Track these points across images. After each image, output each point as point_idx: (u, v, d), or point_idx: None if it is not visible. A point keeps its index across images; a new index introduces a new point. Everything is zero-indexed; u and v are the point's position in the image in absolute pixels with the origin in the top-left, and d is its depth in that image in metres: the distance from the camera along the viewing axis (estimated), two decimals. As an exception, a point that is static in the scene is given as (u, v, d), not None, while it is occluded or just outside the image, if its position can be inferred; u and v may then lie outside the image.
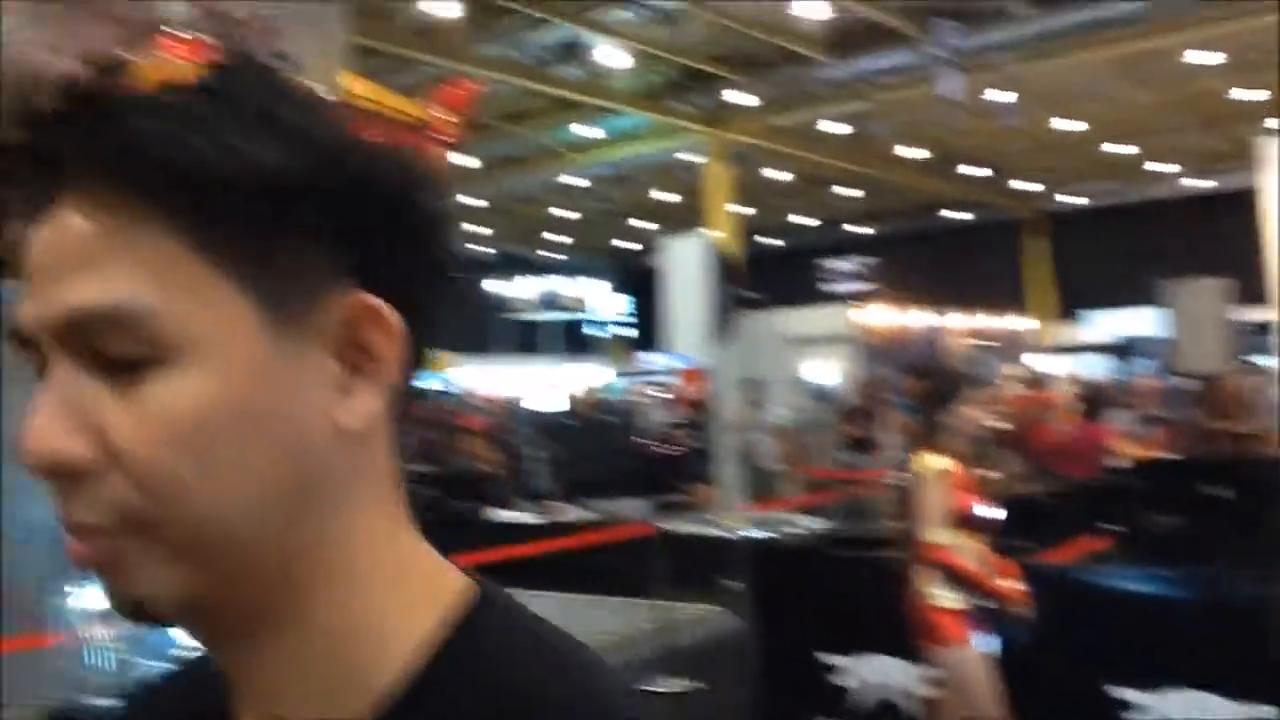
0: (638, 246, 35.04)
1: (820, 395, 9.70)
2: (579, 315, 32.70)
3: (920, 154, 24.50)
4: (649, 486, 8.24)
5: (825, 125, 21.64)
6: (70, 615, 2.26)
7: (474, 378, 20.85)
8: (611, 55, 17.77)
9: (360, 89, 5.01)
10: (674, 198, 28.86)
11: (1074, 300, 27.97)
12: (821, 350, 9.68)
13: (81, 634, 2.24)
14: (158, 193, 0.57)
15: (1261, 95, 18.71)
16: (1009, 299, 26.80)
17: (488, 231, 32.32)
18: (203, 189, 0.57)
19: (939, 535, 3.86)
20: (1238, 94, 19.33)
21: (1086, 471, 7.81)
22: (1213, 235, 23.60)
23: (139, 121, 0.57)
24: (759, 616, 4.77)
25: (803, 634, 4.66)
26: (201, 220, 0.58)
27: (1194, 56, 17.37)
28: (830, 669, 4.59)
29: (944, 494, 3.89)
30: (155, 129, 0.57)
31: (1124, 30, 16.23)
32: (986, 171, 26.71)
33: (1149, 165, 25.56)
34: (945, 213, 30.86)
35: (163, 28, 7.35)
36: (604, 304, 33.14)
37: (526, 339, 31.55)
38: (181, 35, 5.66)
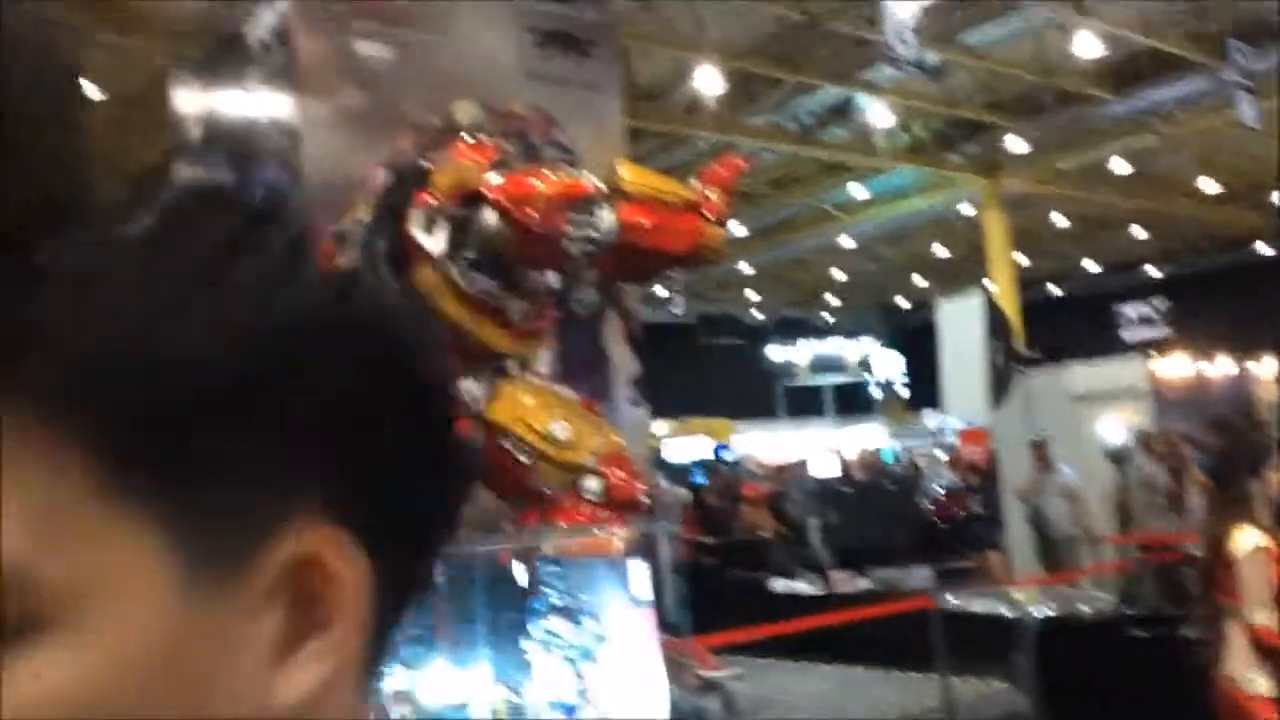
0: (911, 305, 34.40)
1: (1115, 456, 9.13)
2: (855, 377, 32.33)
3: (1216, 186, 22.87)
4: (933, 553, 8.02)
5: (1108, 164, 20.64)
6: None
7: (755, 444, 21.00)
8: (879, 113, 17.72)
9: (631, 174, 5.27)
10: (948, 252, 28.23)
11: None
12: (1114, 406, 9.11)
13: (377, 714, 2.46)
14: (46, 393, 0.42)
15: None
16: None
17: (758, 298, 32.64)
18: (99, 387, 0.42)
19: (1259, 615, 3.57)
20: None
21: None
22: None
23: (28, 285, 0.42)
24: (1047, 697, 4.54)
25: (1094, 717, 4.38)
26: (101, 434, 0.42)
27: None
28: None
29: (1263, 570, 3.60)
30: (41, 299, 0.42)
31: None
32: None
33: None
34: (1253, 246, 28.55)
35: (461, 133, 7.96)
36: (879, 364, 32.65)
37: (806, 402, 31.46)
38: (475, 138, 6.15)
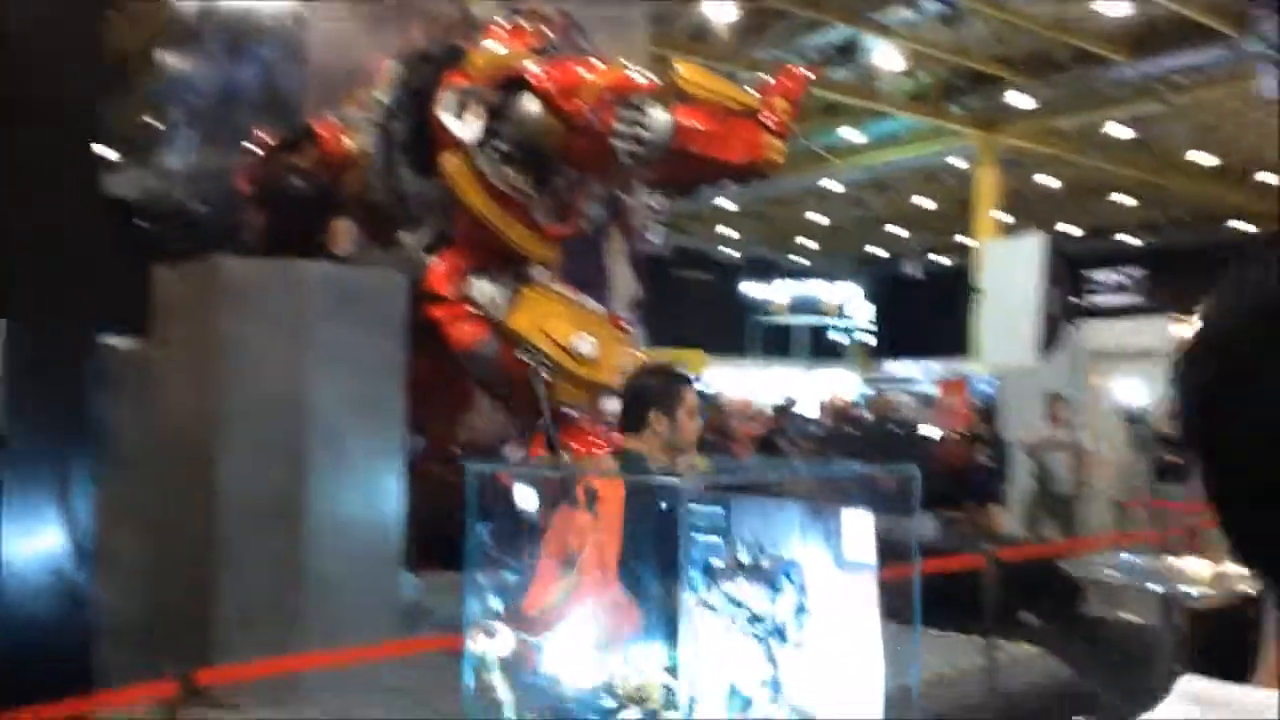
0: (886, 253, 34.19)
1: (1130, 417, 8.90)
2: (827, 320, 32.20)
3: (1212, 160, 22.67)
4: (935, 502, 7.69)
5: (1109, 129, 20.35)
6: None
7: (726, 380, 20.69)
8: (886, 57, 17.24)
9: (690, 74, 4.80)
10: (933, 204, 27.93)
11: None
12: (1132, 366, 8.85)
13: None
14: None
15: None
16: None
17: (737, 235, 32.27)
18: None
19: None
20: None
21: None
22: None
23: None
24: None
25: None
26: None
27: None
28: None
29: None
30: None
31: None
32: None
33: None
34: (1233, 224, 28.51)
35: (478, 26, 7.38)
36: (854, 310, 32.58)
37: (778, 342, 31.31)
38: (514, 24, 5.66)
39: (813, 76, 5.31)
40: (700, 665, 1.66)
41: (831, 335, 32.47)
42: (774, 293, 31.52)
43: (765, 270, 33.19)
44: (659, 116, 4.70)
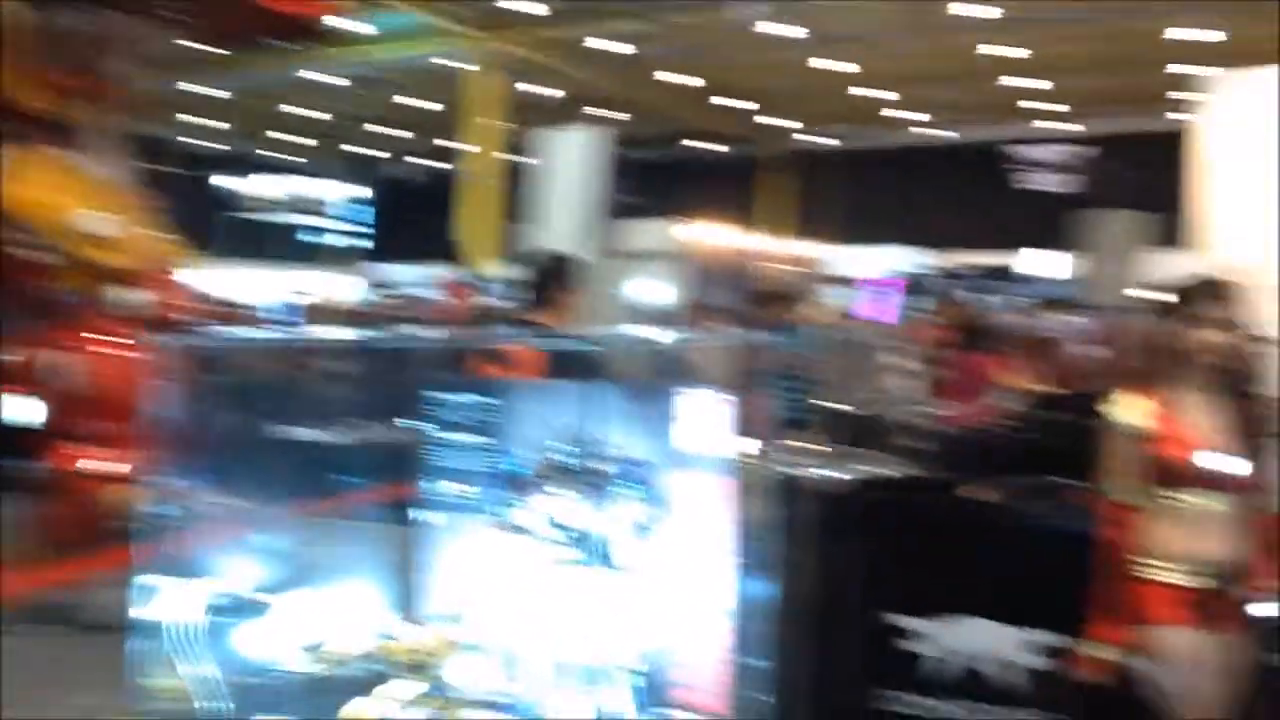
0: (377, 153, 33.22)
1: (656, 317, 9.23)
2: (311, 220, 30.72)
3: (689, 81, 24.26)
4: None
5: (604, 44, 20.98)
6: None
7: (198, 280, 18.85)
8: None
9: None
10: (425, 105, 27.37)
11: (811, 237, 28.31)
12: (642, 267, 9.15)
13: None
14: None
15: (1023, 53, 19.63)
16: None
17: (222, 126, 29.76)
18: None
19: None
20: (999, 50, 19.82)
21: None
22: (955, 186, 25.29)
23: None
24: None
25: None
26: None
27: (960, 9, 17.73)
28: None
29: None
30: None
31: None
32: (743, 104, 26.83)
33: (901, 113, 26.35)
34: (694, 143, 30.91)
35: None
36: (344, 211, 31.43)
37: (255, 241, 29.21)
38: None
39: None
40: (504, 611, 1.23)
41: (318, 237, 31.18)
42: (252, 187, 29.34)
43: (240, 165, 30.96)
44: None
